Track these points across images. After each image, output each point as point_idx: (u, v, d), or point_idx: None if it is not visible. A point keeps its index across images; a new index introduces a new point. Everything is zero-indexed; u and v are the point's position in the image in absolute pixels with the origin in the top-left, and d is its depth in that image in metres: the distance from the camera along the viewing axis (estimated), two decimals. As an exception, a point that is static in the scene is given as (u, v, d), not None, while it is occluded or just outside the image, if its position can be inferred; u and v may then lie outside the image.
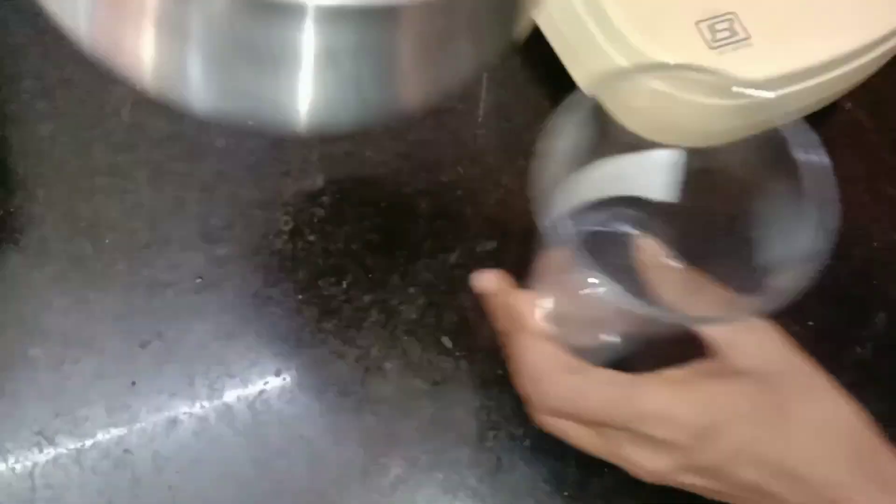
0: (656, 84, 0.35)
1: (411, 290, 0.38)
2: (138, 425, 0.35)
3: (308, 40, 0.20)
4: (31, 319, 0.36)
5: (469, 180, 0.41)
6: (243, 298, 0.37)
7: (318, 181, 0.40)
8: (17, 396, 0.35)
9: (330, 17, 0.19)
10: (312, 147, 0.40)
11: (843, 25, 0.35)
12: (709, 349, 0.29)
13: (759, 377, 0.27)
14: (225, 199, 0.39)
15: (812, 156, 0.25)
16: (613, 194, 0.30)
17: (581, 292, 0.27)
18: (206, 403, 0.35)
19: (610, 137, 0.28)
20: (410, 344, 0.37)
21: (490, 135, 0.42)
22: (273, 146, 0.40)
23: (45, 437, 0.34)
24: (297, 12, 0.19)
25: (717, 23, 0.34)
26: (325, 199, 0.39)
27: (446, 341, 0.37)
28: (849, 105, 0.44)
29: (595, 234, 0.31)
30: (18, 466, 0.34)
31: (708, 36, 0.34)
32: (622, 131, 0.28)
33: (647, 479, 0.29)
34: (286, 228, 0.38)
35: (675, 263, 0.30)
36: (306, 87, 0.21)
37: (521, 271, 0.31)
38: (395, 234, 0.39)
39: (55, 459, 0.34)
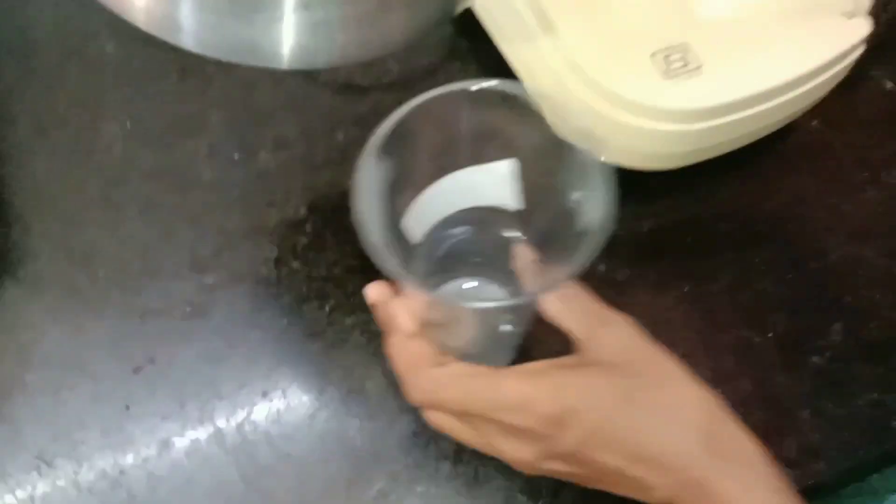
0: (616, 115, 0.37)
1: (391, 311, 0.40)
2: (133, 447, 0.36)
3: None
4: (29, 348, 0.38)
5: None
6: (231, 324, 0.39)
7: (302, 210, 0.42)
8: (17, 422, 0.36)
9: None
10: (296, 178, 0.42)
11: (788, 54, 0.38)
12: (574, 345, 0.31)
13: (613, 367, 0.29)
14: (213, 230, 0.41)
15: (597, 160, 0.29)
16: (469, 205, 0.33)
17: (422, 297, 0.31)
18: (197, 425, 0.37)
19: (418, 165, 0.31)
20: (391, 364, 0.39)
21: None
22: (258, 177, 0.42)
23: (44, 461, 0.36)
24: None
25: (671, 53, 0.37)
26: (307, 227, 0.41)
27: (425, 360, 0.39)
28: (814, 122, 0.46)
29: (476, 240, 0.34)
30: (19, 490, 0.35)
31: (663, 66, 0.36)
32: (428, 159, 0.31)
33: (520, 468, 0.31)
34: (271, 256, 0.40)
35: (540, 264, 0.32)
36: (287, 32, 0.25)
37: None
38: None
39: (54, 482, 0.36)
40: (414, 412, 0.38)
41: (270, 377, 0.38)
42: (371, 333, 0.39)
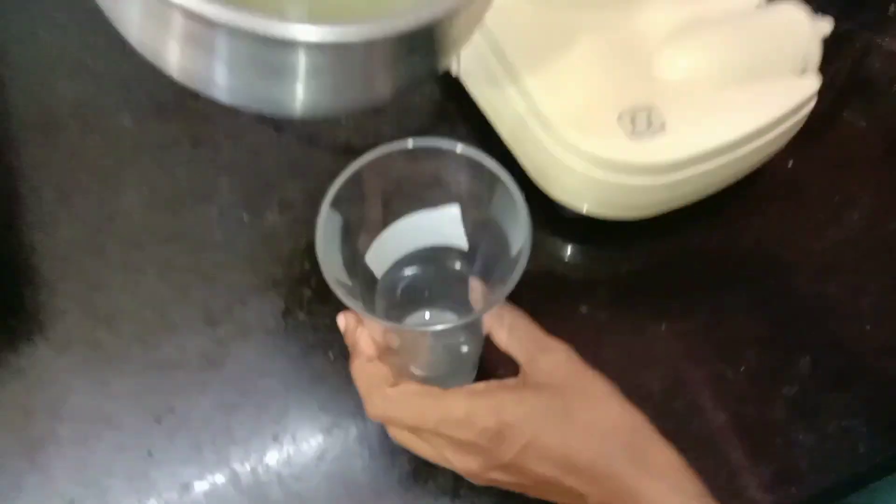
0: (592, 172, 0.41)
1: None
2: (156, 491, 0.39)
3: (300, 61, 0.28)
4: (58, 401, 0.41)
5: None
6: (243, 373, 0.42)
7: (306, 266, 0.45)
8: (49, 470, 0.39)
9: (315, 47, 0.27)
10: (300, 236, 0.46)
11: (745, 110, 0.41)
12: (520, 369, 0.34)
13: (548, 387, 0.32)
14: (224, 287, 0.44)
15: (516, 195, 0.32)
16: (422, 245, 0.37)
17: (380, 327, 0.34)
18: (214, 469, 0.40)
19: (373, 211, 0.35)
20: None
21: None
22: (266, 237, 0.46)
23: (74, 507, 0.39)
24: (294, 45, 0.27)
25: (637, 114, 0.40)
26: (312, 281, 0.44)
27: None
28: (790, 162, 0.49)
29: (431, 275, 0.39)
30: (53, 535, 0.38)
31: (629, 127, 0.40)
32: (381, 206, 0.35)
33: (469, 478, 0.34)
34: (279, 309, 0.44)
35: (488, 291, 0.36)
36: (299, 91, 0.29)
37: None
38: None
39: (84, 526, 0.39)
40: (412, 453, 0.41)
41: (280, 422, 0.41)
42: (372, 379, 0.42)
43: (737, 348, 0.44)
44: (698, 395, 0.42)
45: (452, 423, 0.32)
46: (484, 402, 0.32)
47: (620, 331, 0.44)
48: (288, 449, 0.41)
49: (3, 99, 0.49)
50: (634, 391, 0.42)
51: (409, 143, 0.33)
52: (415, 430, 0.34)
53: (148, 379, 0.42)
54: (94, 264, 0.44)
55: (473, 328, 0.36)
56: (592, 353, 0.42)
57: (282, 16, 0.27)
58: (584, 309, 0.45)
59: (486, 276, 0.37)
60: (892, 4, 0.58)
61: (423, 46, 0.30)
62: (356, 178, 0.33)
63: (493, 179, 0.33)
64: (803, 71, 0.43)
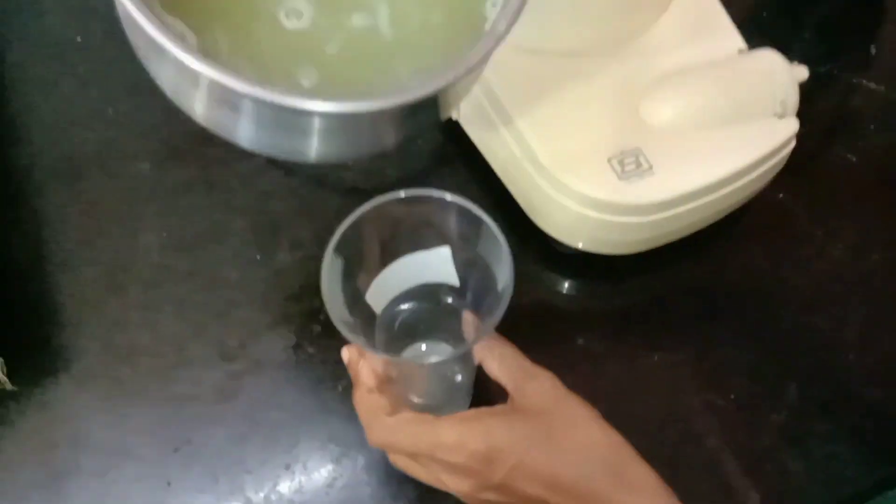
0: (585, 211, 0.43)
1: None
2: (173, 519, 0.41)
3: (316, 123, 0.31)
4: (80, 435, 0.43)
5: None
6: (256, 406, 0.44)
7: (316, 302, 0.46)
8: (72, 501, 0.42)
9: (329, 115, 0.30)
10: (310, 274, 0.48)
11: (728, 152, 0.43)
12: (508, 396, 0.36)
13: (534, 412, 0.35)
14: (238, 323, 0.46)
15: (499, 238, 0.35)
16: (417, 283, 0.40)
17: (380, 360, 0.37)
18: (229, 497, 0.42)
19: (372, 253, 0.38)
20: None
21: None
22: (277, 275, 0.48)
23: (96, 535, 0.41)
24: (311, 113, 0.30)
25: (625, 158, 0.43)
26: (321, 316, 0.47)
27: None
28: (781, 195, 0.51)
29: (426, 310, 0.41)
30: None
31: (618, 169, 0.42)
32: (379, 248, 0.38)
33: (464, 499, 0.36)
34: (290, 344, 0.46)
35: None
36: (314, 143, 0.33)
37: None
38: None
39: (105, 553, 0.41)
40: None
41: (292, 452, 0.43)
42: (378, 410, 0.44)
43: (726, 378, 0.46)
44: (691, 422, 0.44)
45: (445, 447, 0.34)
46: (474, 428, 0.34)
47: (616, 362, 0.46)
48: (299, 478, 0.43)
49: (27, 147, 0.52)
50: (630, 419, 0.44)
51: (402, 193, 0.37)
52: (412, 455, 0.36)
53: (166, 412, 0.44)
54: (114, 303, 0.47)
55: (466, 358, 0.38)
56: (589, 383, 0.45)
57: (297, 87, 0.31)
58: (580, 341, 0.47)
59: (476, 310, 0.40)
60: (873, 45, 0.61)
61: (427, 107, 0.33)
62: (356, 225, 0.36)
63: (479, 223, 0.36)
64: (783, 114, 0.45)
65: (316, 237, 0.49)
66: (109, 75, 0.55)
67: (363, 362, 0.38)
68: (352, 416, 0.43)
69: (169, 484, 0.42)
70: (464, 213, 0.36)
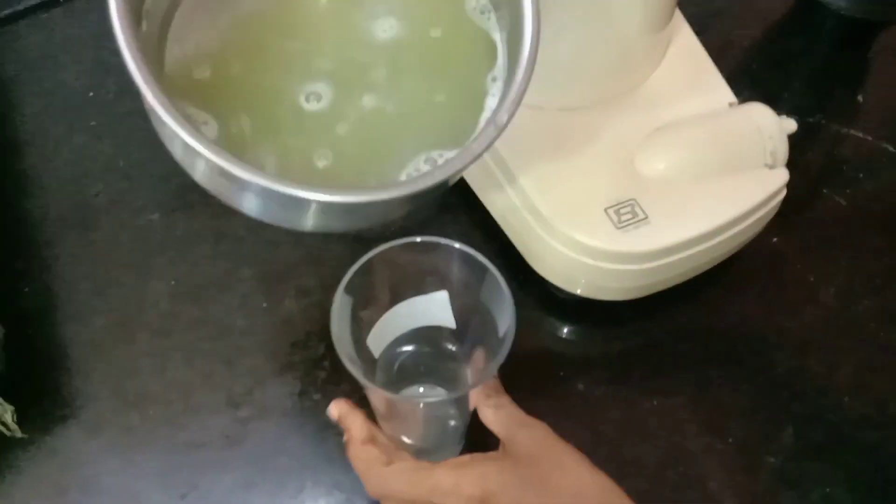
0: (583, 259, 0.45)
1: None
2: (180, 565, 0.42)
3: (313, 205, 0.32)
4: (90, 480, 0.44)
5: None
6: (262, 452, 0.45)
7: (321, 349, 0.48)
8: (81, 547, 0.42)
9: (322, 202, 0.31)
10: (315, 321, 0.49)
11: (720, 202, 0.45)
12: (500, 443, 0.38)
13: (526, 458, 0.36)
14: (245, 370, 0.47)
15: (502, 285, 0.37)
16: (416, 326, 0.41)
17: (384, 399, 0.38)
18: (235, 543, 0.43)
19: (377, 296, 0.40)
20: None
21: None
22: (284, 322, 0.49)
23: (104, 581, 0.42)
24: (309, 201, 0.31)
25: (622, 207, 0.44)
26: (326, 363, 0.48)
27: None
28: (775, 239, 0.53)
29: (424, 353, 0.43)
30: None
31: (614, 218, 0.44)
32: (384, 291, 0.40)
33: None
34: (295, 390, 0.47)
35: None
36: (311, 218, 0.35)
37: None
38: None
39: None
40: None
41: (297, 497, 0.44)
42: (383, 455, 0.45)
43: (723, 421, 0.46)
44: (690, 465, 0.45)
45: (442, 492, 0.35)
46: (469, 473, 0.35)
47: (615, 406, 0.47)
48: (305, 523, 0.43)
49: (40, 198, 0.53)
50: (630, 463, 0.45)
51: (417, 238, 0.38)
52: (410, 502, 0.37)
53: (174, 458, 0.45)
54: (124, 351, 0.48)
55: (462, 403, 0.40)
56: (589, 428, 0.46)
57: (312, 168, 0.33)
58: (580, 386, 0.48)
59: (474, 353, 0.41)
60: (860, 95, 0.63)
61: (432, 190, 0.35)
62: (367, 267, 0.38)
63: (483, 270, 0.37)
64: (773, 165, 0.47)
65: (321, 285, 0.50)
66: (121, 129, 0.56)
67: (354, 415, 0.39)
68: (357, 461, 0.45)
69: (177, 530, 0.43)
70: (468, 261, 0.38)
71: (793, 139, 0.47)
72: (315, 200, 0.30)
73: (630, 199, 0.45)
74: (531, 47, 0.33)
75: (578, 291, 0.48)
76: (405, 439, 0.42)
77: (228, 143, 0.32)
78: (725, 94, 0.49)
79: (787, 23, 0.66)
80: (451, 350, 0.43)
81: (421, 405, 0.40)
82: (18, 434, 0.44)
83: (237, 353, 0.48)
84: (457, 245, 0.38)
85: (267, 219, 0.35)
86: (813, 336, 0.50)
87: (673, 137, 0.46)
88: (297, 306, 0.50)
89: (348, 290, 0.37)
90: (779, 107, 0.48)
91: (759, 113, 0.47)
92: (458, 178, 0.35)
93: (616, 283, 0.46)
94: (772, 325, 0.50)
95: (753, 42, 0.65)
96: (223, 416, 0.46)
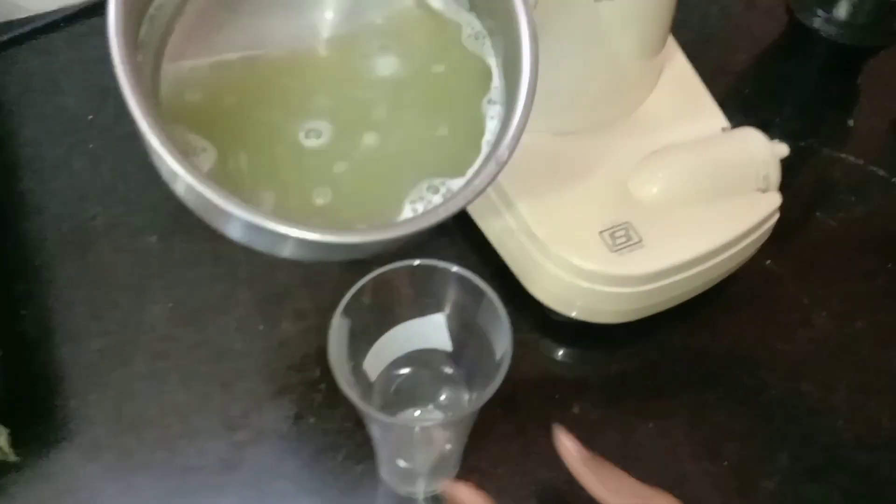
0: (578, 282, 0.45)
1: (396, 458, 0.46)
2: (176, 590, 0.42)
3: (290, 240, 0.31)
4: (86, 505, 0.44)
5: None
6: (258, 476, 0.45)
7: (317, 372, 0.48)
8: (76, 572, 0.42)
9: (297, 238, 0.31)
10: (311, 344, 0.50)
11: (714, 225, 0.46)
12: None
13: None
14: (242, 393, 0.47)
15: (499, 309, 0.37)
16: (413, 349, 0.42)
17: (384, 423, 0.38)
18: (231, 568, 0.43)
19: (374, 319, 0.40)
20: (397, 504, 0.45)
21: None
22: (280, 345, 0.50)
23: None
24: (285, 236, 0.30)
25: (616, 231, 0.45)
26: (322, 386, 0.48)
27: None
28: (768, 262, 0.53)
29: (420, 376, 0.43)
30: None
31: (609, 242, 0.44)
32: (381, 314, 0.40)
33: None
34: (291, 414, 0.47)
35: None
36: (288, 249, 0.33)
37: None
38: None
39: None
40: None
41: (294, 522, 0.44)
42: (376, 481, 0.45)
43: (719, 444, 0.47)
44: (686, 488, 0.44)
45: None
46: None
47: (611, 429, 0.47)
48: (301, 548, 0.43)
49: (38, 221, 0.54)
50: (625, 486, 0.45)
51: (416, 262, 0.38)
52: None
53: (171, 482, 0.45)
54: (121, 374, 0.48)
55: (459, 427, 0.40)
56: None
57: (310, 205, 0.33)
58: (576, 409, 0.48)
59: (471, 378, 0.42)
60: (850, 119, 0.63)
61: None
62: (364, 290, 0.38)
63: (480, 294, 0.38)
64: (766, 188, 0.47)
65: (318, 308, 0.50)
66: (120, 152, 0.57)
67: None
68: (351, 486, 0.45)
69: (173, 554, 0.43)
70: (465, 284, 0.38)
71: (785, 163, 0.48)
72: (299, 238, 0.30)
73: (624, 223, 0.45)
74: (530, 83, 0.33)
75: (574, 314, 0.48)
76: (401, 463, 0.42)
77: (226, 179, 0.32)
78: (718, 119, 0.50)
79: (778, 49, 0.67)
80: (447, 373, 0.43)
81: (417, 429, 0.40)
82: (13, 458, 0.44)
83: (234, 376, 0.48)
84: (454, 268, 0.38)
85: (247, 243, 0.34)
86: (807, 358, 0.50)
87: (667, 162, 0.47)
88: (293, 329, 0.50)
89: (345, 314, 0.37)
90: (771, 131, 0.49)
91: (752, 138, 0.48)
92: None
93: (611, 306, 0.46)
94: (766, 347, 0.50)
95: (746, 68, 0.66)
96: (219, 439, 0.46)
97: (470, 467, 0.45)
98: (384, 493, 0.45)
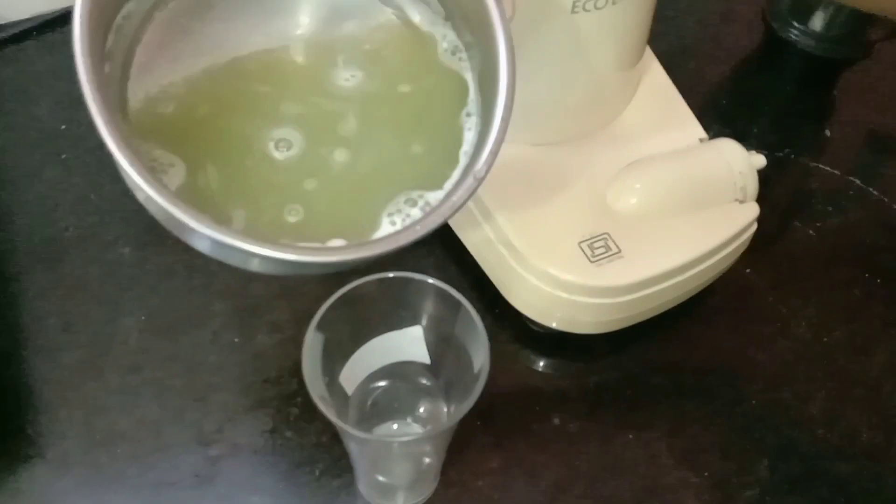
0: (558, 293, 0.45)
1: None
2: None
3: (262, 258, 0.31)
4: (55, 523, 0.43)
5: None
6: (233, 491, 0.44)
7: (293, 385, 0.48)
8: (45, 592, 0.41)
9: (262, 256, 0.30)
10: (288, 357, 0.49)
11: (692, 236, 0.45)
12: None
13: None
14: (217, 407, 0.47)
15: (476, 320, 0.37)
16: (390, 361, 0.41)
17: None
18: (204, 586, 0.42)
19: (351, 332, 0.40)
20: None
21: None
22: (255, 358, 0.49)
23: None
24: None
25: (595, 242, 0.45)
26: (298, 399, 0.47)
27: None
28: (748, 271, 0.54)
29: (398, 389, 0.43)
30: None
31: (588, 253, 0.44)
32: (358, 327, 0.40)
33: None
34: (267, 428, 0.46)
35: None
36: (261, 266, 0.33)
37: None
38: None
39: None
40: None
41: (269, 538, 0.43)
42: (355, 494, 0.44)
43: (699, 455, 0.46)
44: (666, 500, 0.45)
45: None
46: None
47: (591, 440, 0.47)
48: (276, 564, 0.42)
49: (10, 232, 0.53)
50: (607, 498, 0.45)
51: (390, 274, 0.38)
52: None
53: (143, 498, 0.44)
54: (93, 388, 0.47)
55: (437, 440, 0.39)
56: (565, 462, 0.46)
57: (283, 222, 0.32)
58: (556, 420, 0.47)
59: (449, 391, 0.41)
60: (827, 130, 0.64)
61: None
62: (339, 303, 0.38)
63: (457, 305, 0.37)
64: (744, 199, 0.47)
65: (295, 320, 0.50)
66: (92, 163, 0.56)
67: None
68: (328, 500, 0.44)
69: (144, 573, 0.42)
70: (442, 295, 0.38)
71: (763, 174, 0.48)
72: (271, 258, 0.30)
73: (603, 234, 0.45)
74: (507, 97, 0.32)
75: (554, 325, 0.48)
76: (380, 478, 0.42)
77: (197, 196, 0.32)
78: (696, 130, 0.50)
79: (755, 61, 0.68)
80: (425, 385, 0.42)
81: (395, 445, 0.40)
82: (-20, 474, 0.43)
83: (208, 390, 0.47)
84: (430, 280, 0.38)
85: (230, 262, 0.33)
86: (785, 368, 0.50)
87: (645, 173, 0.47)
88: (269, 341, 0.49)
89: (320, 327, 0.37)
90: (749, 142, 0.49)
91: (729, 149, 0.48)
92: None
93: (590, 317, 0.46)
94: (745, 357, 0.50)
95: (723, 79, 0.66)
96: (193, 454, 0.45)
97: (449, 481, 0.44)
98: (362, 505, 0.44)
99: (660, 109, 0.51)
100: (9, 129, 0.58)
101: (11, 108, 0.59)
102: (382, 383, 0.42)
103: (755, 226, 0.48)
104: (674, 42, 0.67)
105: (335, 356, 0.39)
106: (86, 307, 0.50)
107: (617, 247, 0.44)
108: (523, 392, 0.49)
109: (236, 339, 0.49)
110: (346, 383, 0.40)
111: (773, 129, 0.63)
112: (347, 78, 0.36)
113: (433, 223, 0.32)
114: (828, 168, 0.61)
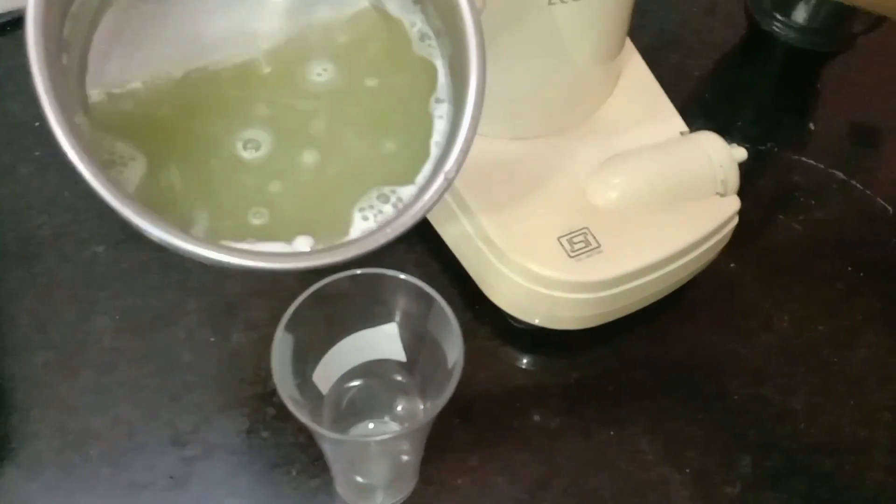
0: (538, 289, 0.44)
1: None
2: None
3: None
4: (26, 526, 0.42)
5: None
6: (209, 492, 0.43)
7: (270, 385, 0.47)
8: None
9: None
10: (264, 355, 0.48)
11: (673, 230, 0.45)
12: None
13: None
14: (191, 407, 0.46)
15: (449, 315, 0.36)
16: (364, 360, 0.41)
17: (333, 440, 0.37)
18: (179, 589, 0.41)
19: (323, 330, 0.39)
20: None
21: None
22: (231, 357, 0.48)
23: None
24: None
25: (574, 237, 0.44)
26: (275, 399, 0.46)
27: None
28: (732, 265, 0.53)
29: (373, 387, 0.42)
30: None
31: (567, 247, 0.44)
32: (330, 325, 0.39)
33: None
34: (243, 428, 0.45)
35: None
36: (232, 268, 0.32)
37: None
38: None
39: None
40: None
41: (245, 539, 0.43)
42: (332, 493, 0.43)
43: (680, 451, 0.46)
44: (648, 496, 0.44)
45: None
46: None
47: (572, 437, 0.46)
48: (253, 566, 0.42)
49: (-18, 230, 0.52)
50: (588, 495, 0.44)
51: (358, 271, 0.37)
52: None
53: (116, 499, 0.43)
54: (66, 388, 0.46)
55: (414, 438, 0.38)
56: (546, 459, 0.45)
57: (246, 226, 0.32)
58: (536, 417, 0.47)
59: (425, 387, 0.40)
60: (811, 123, 0.64)
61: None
62: (308, 303, 0.37)
63: (430, 300, 0.37)
64: (725, 193, 0.47)
65: (271, 317, 0.48)
66: (67, 160, 0.55)
67: None
68: (306, 501, 0.43)
69: (117, 576, 0.41)
70: (415, 291, 0.37)
71: (746, 167, 0.48)
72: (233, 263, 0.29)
73: (583, 228, 0.44)
74: (477, 92, 0.31)
75: (536, 321, 0.47)
76: (358, 479, 0.41)
77: (158, 195, 0.31)
78: (677, 123, 0.50)
79: (737, 54, 0.67)
80: (401, 383, 0.42)
81: (371, 444, 0.39)
82: (-49, 477, 0.42)
83: (183, 389, 0.47)
84: (402, 276, 0.37)
85: (198, 261, 0.33)
86: (768, 363, 0.50)
87: (625, 167, 0.46)
88: (245, 340, 0.49)
89: (289, 327, 0.36)
90: (731, 136, 0.48)
91: (709, 142, 0.47)
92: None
93: (570, 312, 0.46)
94: (727, 352, 0.50)
95: (705, 72, 0.66)
96: (168, 455, 0.44)
97: (429, 479, 0.44)
98: (339, 507, 0.43)
99: (640, 103, 0.50)
100: (-19, 125, 0.57)
101: (-17, 105, 0.58)
102: (357, 382, 0.42)
103: (736, 219, 0.48)
104: (656, 35, 0.67)
105: (308, 355, 0.38)
106: (59, 306, 0.49)
107: (596, 241, 0.44)
108: (503, 389, 0.49)
109: (212, 338, 0.49)
110: (321, 383, 0.39)
111: (756, 122, 0.63)
112: (319, 72, 0.35)
113: (404, 225, 0.31)
114: (811, 161, 0.60)
